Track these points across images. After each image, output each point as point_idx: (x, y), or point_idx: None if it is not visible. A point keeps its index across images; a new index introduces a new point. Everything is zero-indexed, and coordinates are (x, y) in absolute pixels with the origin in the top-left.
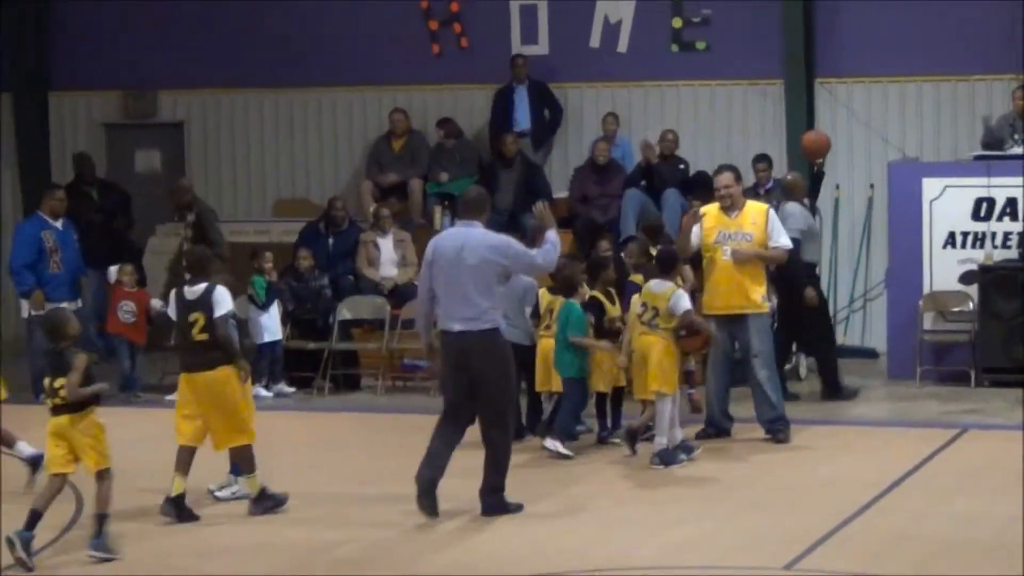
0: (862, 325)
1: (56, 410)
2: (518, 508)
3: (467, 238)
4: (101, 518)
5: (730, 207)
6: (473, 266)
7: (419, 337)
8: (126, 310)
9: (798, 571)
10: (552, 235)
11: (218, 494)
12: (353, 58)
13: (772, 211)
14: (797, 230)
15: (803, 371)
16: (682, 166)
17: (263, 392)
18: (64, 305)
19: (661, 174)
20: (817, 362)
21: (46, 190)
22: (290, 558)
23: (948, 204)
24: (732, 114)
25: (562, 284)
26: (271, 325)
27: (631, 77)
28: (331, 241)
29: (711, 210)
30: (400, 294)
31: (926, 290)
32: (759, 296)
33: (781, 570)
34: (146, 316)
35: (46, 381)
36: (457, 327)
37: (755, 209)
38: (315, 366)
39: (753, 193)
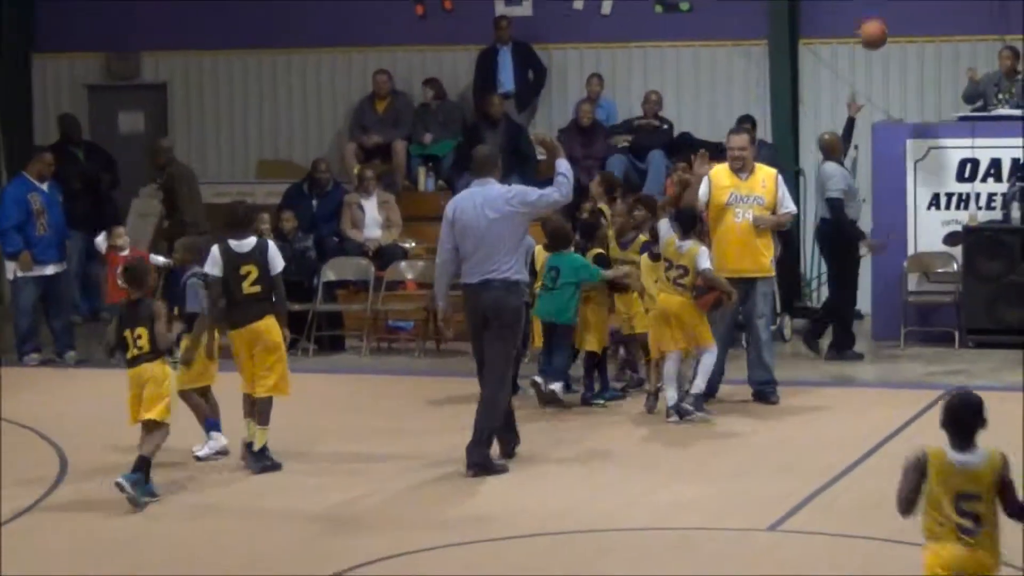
0: None
1: (135, 361)
2: (503, 470)
3: (485, 195)
4: (146, 461)
5: (741, 169)
6: (495, 220)
7: (435, 298)
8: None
9: (782, 531)
10: (563, 164)
11: (199, 454)
12: (337, 19)
13: (781, 176)
14: (839, 190)
15: (787, 332)
16: (666, 127)
17: None
18: (51, 268)
19: (645, 136)
20: (838, 316)
21: (34, 153)
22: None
23: (932, 165)
24: (716, 75)
25: (554, 237)
26: None
27: (615, 38)
28: (315, 203)
29: (722, 170)
30: (384, 255)
31: (910, 251)
32: (768, 260)
33: (765, 531)
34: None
35: (126, 333)
36: (480, 279)
37: (765, 172)
38: (299, 328)
39: None
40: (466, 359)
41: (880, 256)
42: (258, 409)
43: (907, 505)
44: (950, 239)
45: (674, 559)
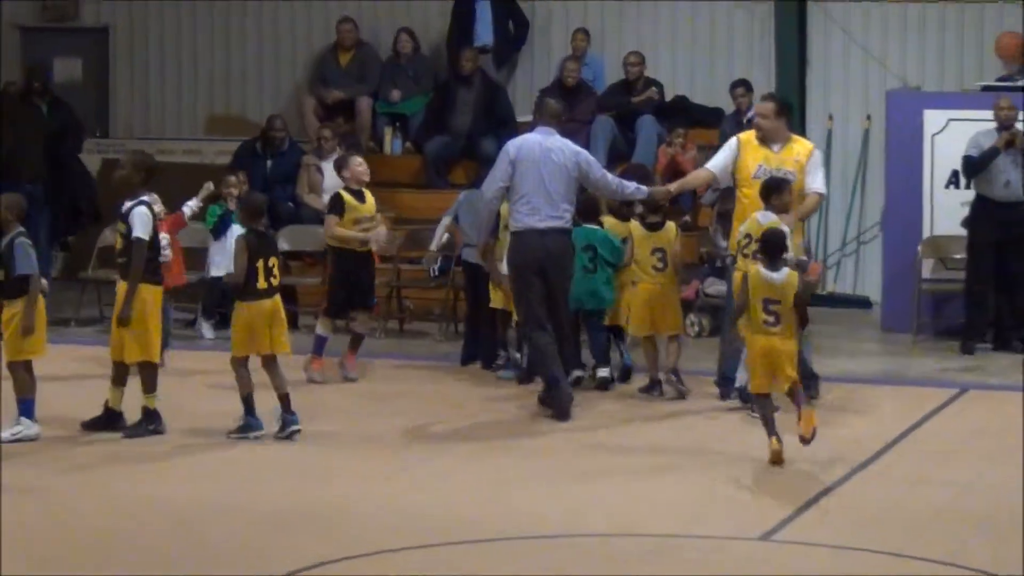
0: (854, 272)
1: (269, 292)
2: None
3: (553, 141)
4: (286, 397)
5: (771, 139)
6: (561, 165)
7: (477, 239)
8: (163, 246)
9: (775, 541)
10: (640, 189)
11: (5, 436)
12: None
13: (818, 153)
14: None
15: None
16: (653, 88)
17: (208, 333)
18: None
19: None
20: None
21: None
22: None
23: (952, 139)
24: (715, 34)
25: (587, 208)
26: (219, 259)
27: None
28: (269, 163)
29: (749, 139)
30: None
31: (926, 234)
32: (797, 243)
33: (757, 540)
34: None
35: (259, 263)
36: (543, 224)
37: (800, 146)
38: None
39: (735, 122)
40: (429, 342)
41: (890, 241)
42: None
43: (740, 312)
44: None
45: (649, 568)
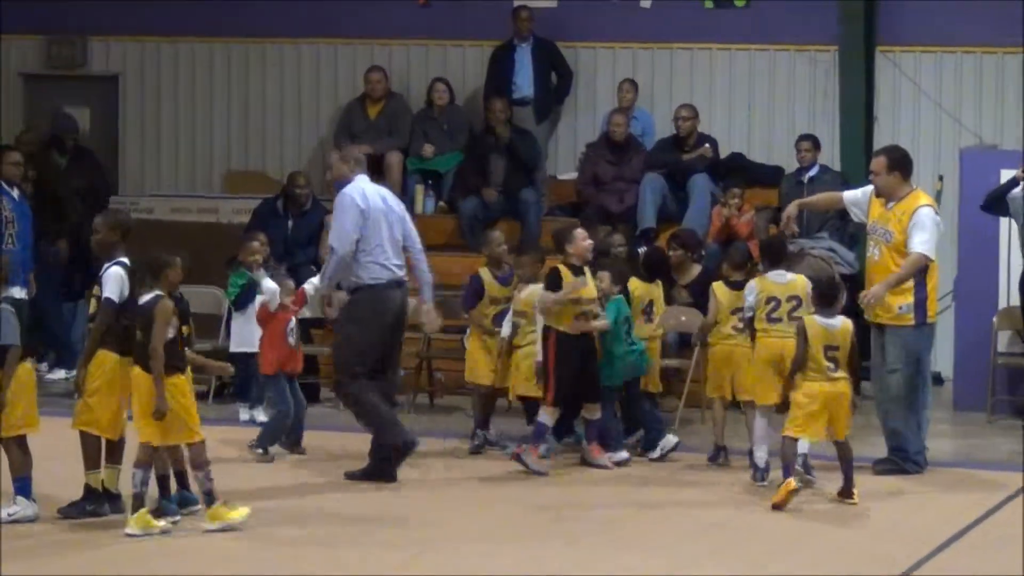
0: None
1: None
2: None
3: (383, 190)
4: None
5: (885, 195)
6: (400, 215)
7: (329, 288)
8: (291, 330)
9: None
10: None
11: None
12: (323, 5)
13: (925, 211)
14: None
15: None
16: (707, 144)
17: (245, 417)
18: (14, 291)
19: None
20: None
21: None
22: None
23: None
24: (775, 85)
25: (657, 265)
26: (244, 333)
27: (655, 37)
28: (291, 223)
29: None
30: None
31: (1002, 304)
32: (904, 303)
33: None
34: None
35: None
36: (397, 277)
37: (909, 205)
38: None
39: (795, 181)
40: (463, 418)
41: (963, 312)
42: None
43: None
44: None
45: None
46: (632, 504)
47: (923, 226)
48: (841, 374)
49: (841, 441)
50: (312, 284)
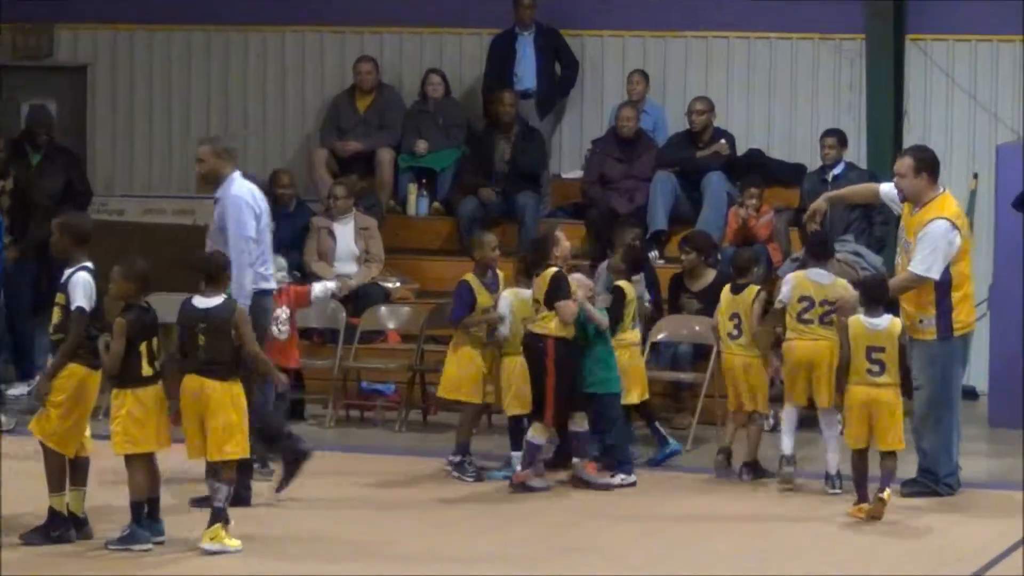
0: None
1: (154, 379)
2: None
3: (256, 189)
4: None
5: (912, 200)
6: (269, 219)
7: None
8: (281, 322)
9: None
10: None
11: None
12: None
13: (938, 224)
14: None
15: None
16: (723, 140)
17: None
18: None
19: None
20: None
21: None
22: None
23: None
24: (797, 77)
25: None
26: None
27: (667, 25)
28: (273, 225)
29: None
30: (360, 298)
31: None
32: (928, 317)
33: None
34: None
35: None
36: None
37: (931, 212)
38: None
39: (819, 180)
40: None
41: (999, 322)
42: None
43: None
44: None
45: None
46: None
47: (927, 242)
48: (886, 379)
49: (886, 451)
50: (324, 286)
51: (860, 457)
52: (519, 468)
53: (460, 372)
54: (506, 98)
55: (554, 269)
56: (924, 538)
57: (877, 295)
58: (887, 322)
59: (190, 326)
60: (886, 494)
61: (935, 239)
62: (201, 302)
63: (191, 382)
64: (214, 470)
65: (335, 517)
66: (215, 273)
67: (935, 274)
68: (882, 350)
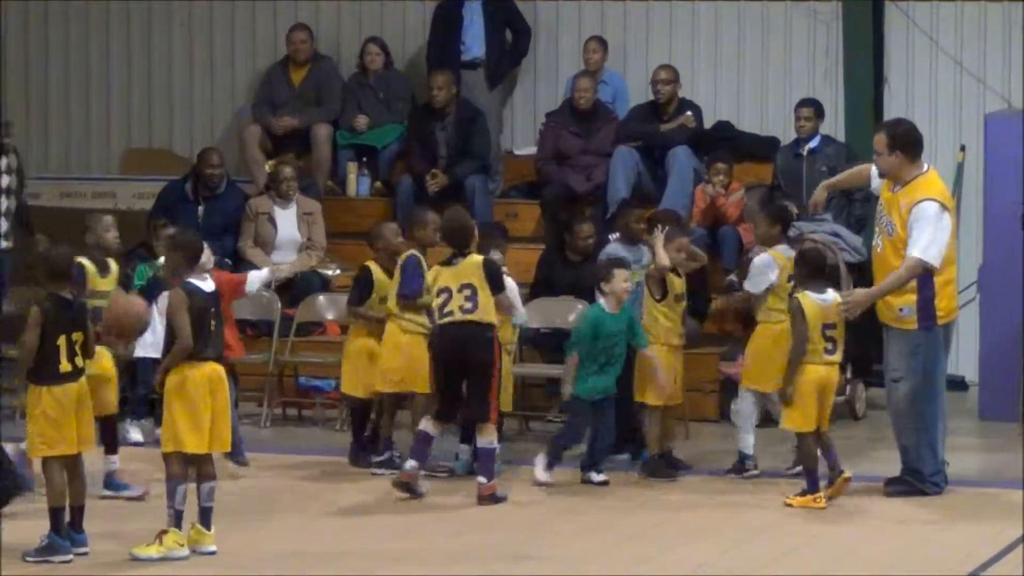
0: None
1: (74, 375)
2: None
3: None
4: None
5: (891, 179)
6: None
7: None
8: None
9: None
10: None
11: None
12: None
13: (927, 205)
14: None
15: (860, 406)
16: (689, 112)
17: (135, 436)
18: None
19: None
20: None
21: None
22: None
23: None
24: (769, 42)
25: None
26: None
27: None
28: (201, 209)
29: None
30: (297, 287)
31: None
32: (906, 304)
33: None
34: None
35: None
36: None
37: (916, 193)
38: None
39: (792, 154)
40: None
41: (989, 306)
42: None
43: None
44: None
45: None
46: None
47: (923, 224)
48: (837, 358)
49: (824, 430)
50: (261, 275)
51: (813, 441)
52: (477, 471)
53: (403, 362)
54: (437, 80)
55: (480, 257)
56: (916, 539)
57: (818, 268)
58: (833, 296)
59: (205, 310)
60: (848, 472)
61: (930, 221)
62: (205, 285)
63: (211, 370)
64: (206, 468)
65: (271, 522)
66: (199, 254)
67: (937, 261)
68: (833, 327)
